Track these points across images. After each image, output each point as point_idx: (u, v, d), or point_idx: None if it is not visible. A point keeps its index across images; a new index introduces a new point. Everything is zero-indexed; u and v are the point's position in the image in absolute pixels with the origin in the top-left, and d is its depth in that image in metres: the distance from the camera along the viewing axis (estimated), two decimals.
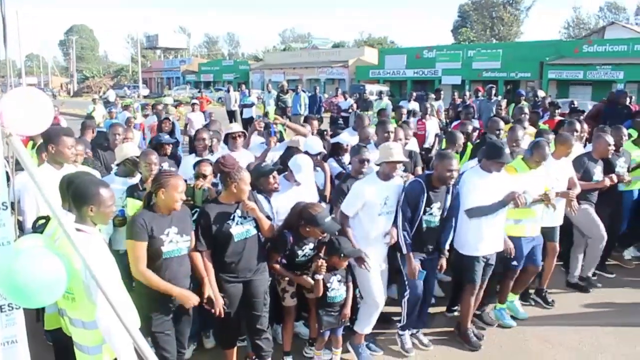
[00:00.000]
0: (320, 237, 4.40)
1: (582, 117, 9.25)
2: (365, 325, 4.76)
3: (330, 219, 4.33)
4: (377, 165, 4.72)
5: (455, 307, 5.61)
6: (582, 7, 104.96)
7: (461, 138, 6.72)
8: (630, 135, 7.22)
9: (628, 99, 10.68)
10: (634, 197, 6.99)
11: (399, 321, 5.01)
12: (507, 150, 4.79)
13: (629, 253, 7.34)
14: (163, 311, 3.71)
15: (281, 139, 7.40)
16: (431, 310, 5.33)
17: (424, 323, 5.20)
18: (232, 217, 3.99)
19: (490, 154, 4.80)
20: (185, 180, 4.03)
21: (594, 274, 6.57)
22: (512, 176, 5.07)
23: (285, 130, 8.02)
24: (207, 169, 4.74)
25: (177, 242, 3.68)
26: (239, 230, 4.01)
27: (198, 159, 5.56)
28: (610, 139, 6.12)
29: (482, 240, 4.87)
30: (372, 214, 4.57)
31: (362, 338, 4.80)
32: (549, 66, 31.89)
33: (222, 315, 3.97)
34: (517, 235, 5.27)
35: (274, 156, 6.08)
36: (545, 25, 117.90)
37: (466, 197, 4.81)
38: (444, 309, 5.77)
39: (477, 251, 4.91)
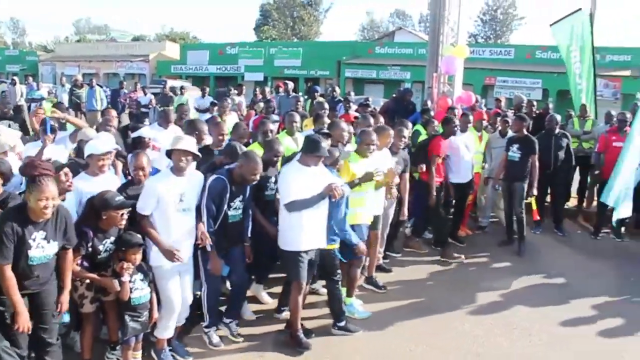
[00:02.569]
0: (120, 225, 4.24)
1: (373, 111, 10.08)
2: (164, 330, 4.62)
3: (122, 197, 4.23)
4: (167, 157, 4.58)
5: (285, 308, 5.57)
6: (375, 12, 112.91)
7: (246, 132, 6.84)
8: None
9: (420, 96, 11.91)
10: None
11: (202, 319, 5.01)
12: (324, 144, 4.91)
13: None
14: None
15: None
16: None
17: (238, 313, 5.27)
18: None
19: (308, 148, 4.88)
20: None
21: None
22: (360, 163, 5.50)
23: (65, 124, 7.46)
24: None
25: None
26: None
27: None
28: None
29: (303, 234, 4.88)
30: (168, 211, 4.41)
31: (164, 343, 4.68)
32: (346, 65, 34.01)
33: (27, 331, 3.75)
34: (356, 223, 5.59)
35: (54, 152, 5.48)
36: (342, 26, 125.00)
37: (285, 191, 4.86)
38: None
39: (300, 246, 4.91)
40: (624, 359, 5.27)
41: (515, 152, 8.13)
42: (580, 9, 11.36)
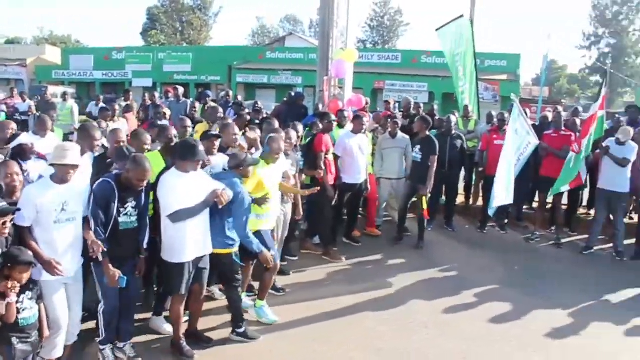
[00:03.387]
0: (3, 234, 3.83)
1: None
2: (52, 350, 4.29)
3: (4, 203, 3.87)
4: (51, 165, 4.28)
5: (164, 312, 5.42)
6: (266, 17, 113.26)
7: (149, 138, 6.67)
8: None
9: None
10: None
11: (98, 335, 4.70)
12: (200, 148, 4.75)
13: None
14: None
15: None
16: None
17: (130, 334, 4.90)
18: None
19: (184, 154, 4.69)
20: None
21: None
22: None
23: None
24: None
25: None
26: None
27: None
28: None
29: (187, 244, 4.70)
30: (48, 221, 4.13)
31: None
32: (237, 70, 33.81)
33: None
34: (259, 229, 5.55)
35: None
36: (233, 31, 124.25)
37: (166, 201, 4.64)
38: None
39: (184, 257, 4.73)
40: (512, 342, 5.61)
41: (417, 154, 8.44)
42: (462, 15, 12.00)
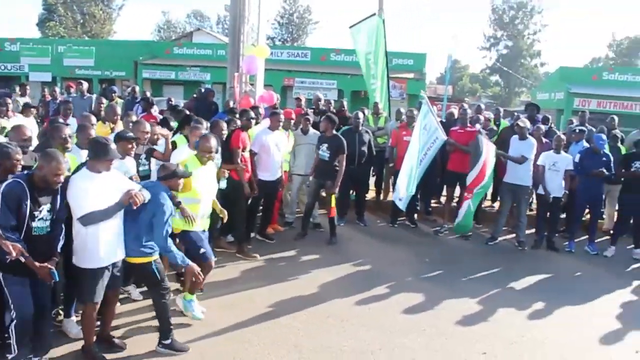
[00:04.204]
0: None
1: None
2: None
3: None
4: None
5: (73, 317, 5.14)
6: (171, 12, 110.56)
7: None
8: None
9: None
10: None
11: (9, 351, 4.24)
12: (112, 146, 4.51)
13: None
14: None
15: None
16: None
17: (46, 347, 4.51)
18: None
19: (96, 153, 4.44)
20: None
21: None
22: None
23: None
24: None
25: None
26: None
27: None
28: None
29: (101, 249, 4.45)
30: None
31: None
32: (143, 66, 32.69)
33: None
34: (188, 230, 5.44)
35: None
36: (137, 25, 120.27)
37: (76, 203, 4.33)
38: None
39: (98, 262, 4.48)
40: (425, 331, 5.80)
41: (325, 152, 8.48)
42: (374, 14, 12.19)
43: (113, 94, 11.70)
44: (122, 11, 70.96)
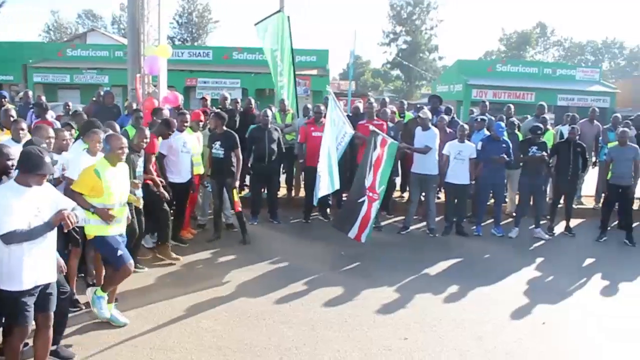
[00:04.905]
0: None
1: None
2: None
3: None
4: None
5: None
6: (61, 11, 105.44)
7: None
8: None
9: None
10: None
11: None
12: (47, 159, 4.04)
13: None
14: None
15: None
16: None
17: None
18: None
19: (27, 167, 3.98)
20: None
21: None
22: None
23: None
24: None
25: None
26: None
27: None
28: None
29: (27, 269, 4.00)
30: None
31: None
32: (34, 69, 31.05)
33: None
34: (104, 234, 5.27)
35: None
36: (24, 26, 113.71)
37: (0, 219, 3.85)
38: None
39: (23, 285, 4.01)
40: (347, 321, 5.91)
41: (218, 150, 8.40)
42: (280, 11, 12.19)
43: (3, 99, 11.00)
44: (4, 9, 66.78)
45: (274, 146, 9.51)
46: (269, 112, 9.77)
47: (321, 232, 9.48)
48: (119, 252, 5.38)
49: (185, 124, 8.07)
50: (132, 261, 5.54)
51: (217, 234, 8.75)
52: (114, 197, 5.34)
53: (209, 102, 12.10)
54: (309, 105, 11.67)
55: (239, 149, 8.48)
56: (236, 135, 8.54)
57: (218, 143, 8.41)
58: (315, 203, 9.04)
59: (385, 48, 66.86)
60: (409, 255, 8.37)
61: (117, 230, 5.48)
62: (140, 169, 6.71)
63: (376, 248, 8.57)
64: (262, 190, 10.05)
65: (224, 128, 8.55)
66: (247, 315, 5.96)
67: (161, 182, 7.36)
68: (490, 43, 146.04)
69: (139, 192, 6.44)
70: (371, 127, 8.52)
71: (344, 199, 10.73)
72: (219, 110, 10.60)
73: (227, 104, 11.43)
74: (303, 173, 10.53)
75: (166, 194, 7.32)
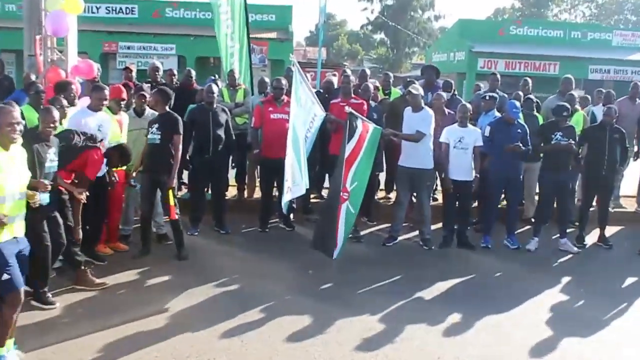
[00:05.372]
0: None
1: None
2: None
3: None
4: None
5: None
6: None
7: None
8: None
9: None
10: None
11: None
12: None
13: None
14: None
15: None
16: None
17: None
18: None
19: None
20: None
21: None
22: None
23: None
24: None
25: None
26: None
27: None
28: None
29: None
30: None
31: None
32: None
33: None
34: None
35: None
36: None
37: None
38: None
39: None
40: (309, 352, 5.98)
41: (155, 134, 8.36)
42: None
43: None
44: None
45: (221, 132, 9.48)
46: (215, 88, 9.73)
47: (282, 244, 9.52)
48: (5, 276, 5.29)
49: (103, 102, 7.99)
50: (23, 287, 5.47)
51: (146, 248, 8.69)
52: (4, 189, 5.26)
53: (134, 74, 12.00)
54: (267, 79, 11.65)
55: (180, 135, 8.45)
56: (178, 118, 8.53)
57: (156, 126, 8.38)
58: (285, 209, 9.00)
59: (366, 4, 67.11)
60: (398, 274, 8.44)
61: (7, 235, 5.40)
62: (51, 163, 6.51)
63: (354, 264, 8.62)
64: (206, 190, 10.04)
65: (167, 109, 8.54)
66: (185, 356, 5.95)
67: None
68: None
69: (44, 197, 6.24)
70: (347, 109, 8.51)
71: (314, 200, 10.86)
72: (152, 84, 10.56)
73: (159, 77, 11.36)
74: (259, 167, 10.53)
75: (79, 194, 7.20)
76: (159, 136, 8.34)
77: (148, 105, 9.03)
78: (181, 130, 8.46)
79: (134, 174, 8.73)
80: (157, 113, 8.83)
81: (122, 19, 31.45)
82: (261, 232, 9.98)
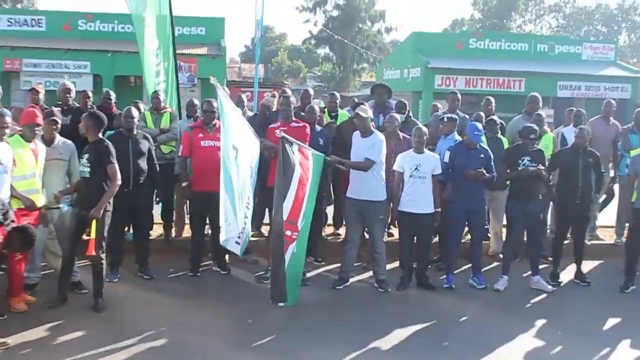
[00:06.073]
0: None
1: None
2: None
3: None
4: None
5: None
6: None
7: None
8: None
9: None
10: None
11: None
12: None
13: None
14: None
15: None
16: None
17: None
18: None
19: None
20: None
21: None
22: None
23: None
24: None
25: None
26: None
27: None
28: None
29: None
30: None
31: None
32: None
33: None
34: None
35: None
36: None
37: None
38: None
39: None
40: None
41: (85, 166, 8.27)
42: None
43: None
44: None
45: (142, 163, 9.42)
46: (134, 112, 9.63)
47: (215, 289, 9.45)
48: None
49: (3, 130, 7.83)
50: None
51: (62, 295, 8.51)
52: None
53: (41, 97, 11.79)
54: (196, 101, 11.59)
55: (114, 165, 8.37)
56: (109, 144, 8.44)
57: (86, 156, 8.29)
58: (239, 253, 8.91)
59: (308, 15, 67.61)
60: (350, 321, 8.40)
61: None
62: None
63: (300, 312, 8.60)
64: (126, 229, 9.90)
65: (100, 136, 8.46)
66: None
67: None
68: (461, 9, 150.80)
69: None
70: (278, 132, 8.48)
71: (252, 239, 10.76)
72: (63, 107, 10.38)
73: (70, 99, 11.20)
74: (188, 202, 10.44)
75: None
76: (89, 169, 8.26)
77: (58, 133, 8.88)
78: (114, 159, 8.37)
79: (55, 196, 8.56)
80: (64, 141, 8.73)
81: (27, 32, 31.11)
82: (192, 277, 9.89)
